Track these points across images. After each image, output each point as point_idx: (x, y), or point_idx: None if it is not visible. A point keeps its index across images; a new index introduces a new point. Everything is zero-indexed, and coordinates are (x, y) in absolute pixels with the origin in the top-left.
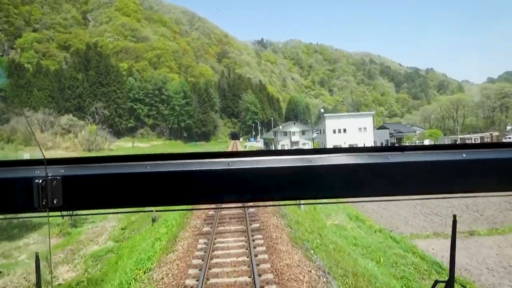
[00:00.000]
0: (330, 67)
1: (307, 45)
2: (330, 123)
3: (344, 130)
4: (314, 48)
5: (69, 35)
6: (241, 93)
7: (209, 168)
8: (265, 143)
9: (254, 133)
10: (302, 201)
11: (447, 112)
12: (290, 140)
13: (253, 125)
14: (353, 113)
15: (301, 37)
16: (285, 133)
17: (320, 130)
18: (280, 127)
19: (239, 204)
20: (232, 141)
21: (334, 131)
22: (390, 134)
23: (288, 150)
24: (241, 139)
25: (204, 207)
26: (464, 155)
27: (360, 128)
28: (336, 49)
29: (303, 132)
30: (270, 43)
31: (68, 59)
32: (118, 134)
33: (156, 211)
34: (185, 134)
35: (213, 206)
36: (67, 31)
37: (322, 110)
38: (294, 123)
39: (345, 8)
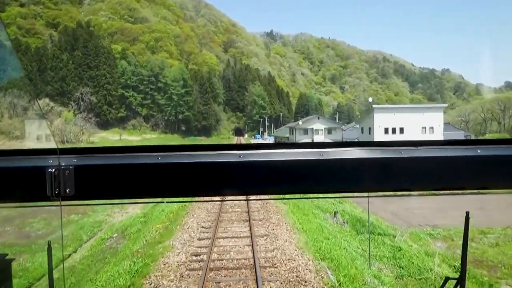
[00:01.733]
0: (342, 63)
1: (319, 39)
2: (381, 119)
3: (401, 130)
4: (326, 43)
5: (59, 11)
6: (248, 85)
7: (220, 160)
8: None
9: (261, 129)
10: (313, 195)
11: (491, 113)
12: (312, 140)
13: (260, 120)
14: (416, 105)
15: (312, 31)
16: (305, 131)
17: (363, 128)
18: (300, 122)
19: (251, 197)
20: (236, 137)
21: (387, 131)
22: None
23: (299, 143)
24: (246, 136)
25: (215, 199)
26: (478, 151)
27: (424, 128)
28: (348, 45)
29: (329, 131)
30: (280, 36)
31: (54, 37)
32: (106, 124)
33: (166, 202)
34: (183, 128)
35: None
36: (57, 8)
37: (371, 100)
38: (318, 118)
39: (356, 5)
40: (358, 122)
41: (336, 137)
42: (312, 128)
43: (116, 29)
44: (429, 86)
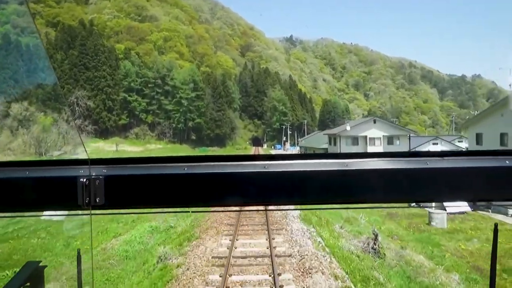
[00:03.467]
0: (366, 69)
1: (341, 44)
2: None
3: None
4: (348, 48)
5: (60, 9)
6: (267, 89)
7: (245, 171)
8: None
9: (284, 138)
10: (337, 206)
11: None
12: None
13: (282, 128)
14: None
15: (333, 36)
16: (355, 140)
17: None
18: (347, 127)
19: (273, 207)
20: (254, 147)
21: None
22: None
23: (324, 154)
24: (265, 146)
25: (238, 209)
26: (507, 161)
27: None
28: (372, 51)
29: (390, 140)
30: (299, 41)
31: (50, 36)
32: (105, 132)
33: (192, 211)
34: (193, 137)
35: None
36: (60, 6)
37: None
38: (375, 122)
39: (378, 10)
40: (468, 126)
41: (400, 146)
42: (366, 136)
43: (121, 28)
44: (459, 93)
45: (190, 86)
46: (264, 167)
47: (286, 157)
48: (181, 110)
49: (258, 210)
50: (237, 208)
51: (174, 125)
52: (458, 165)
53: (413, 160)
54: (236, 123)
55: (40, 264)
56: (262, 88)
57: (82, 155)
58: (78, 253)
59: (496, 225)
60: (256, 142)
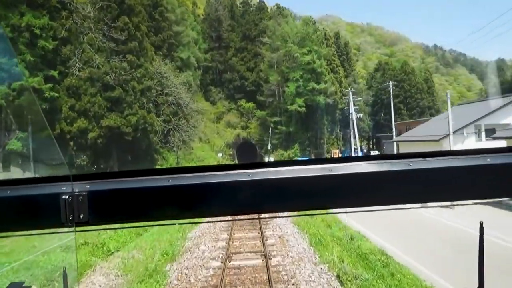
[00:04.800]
0: (386, 50)
1: (350, 23)
2: None
3: None
4: (361, 27)
5: None
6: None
7: (230, 180)
8: None
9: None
10: (323, 211)
11: None
12: None
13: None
14: None
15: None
16: None
17: None
18: None
19: (265, 215)
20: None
21: None
22: None
23: (308, 159)
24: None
25: (226, 218)
26: (488, 159)
27: None
28: (388, 31)
29: None
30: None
31: None
32: None
33: (178, 223)
34: None
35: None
36: None
37: None
38: None
39: None
40: None
41: None
42: None
43: None
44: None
45: None
46: (249, 175)
47: (270, 164)
48: None
49: (248, 219)
50: (228, 218)
51: None
52: (440, 165)
53: (396, 162)
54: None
55: (24, 285)
56: None
57: (64, 172)
58: (64, 271)
59: (481, 223)
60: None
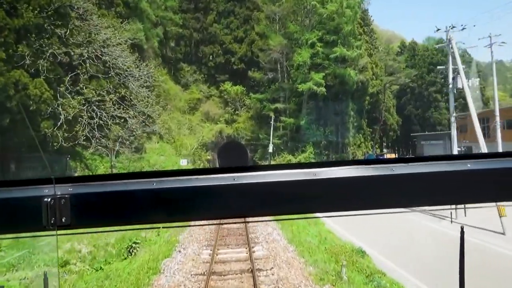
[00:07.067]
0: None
1: None
2: None
3: None
4: None
5: None
6: None
7: (215, 184)
8: None
9: None
10: (308, 215)
11: None
12: None
13: None
14: None
15: None
16: None
17: None
18: None
19: (246, 219)
20: None
21: None
22: None
23: (293, 164)
24: None
25: (212, 222)
26: (469, 165)
27: None
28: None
29: None
30: None
31: None
32: None
33: (163, 227)
34: None
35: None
36: None
37: None
38: None
39: None
40: None
41: None
42: None
43: None
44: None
45: None
46: (233, 179)
47: (255, 168)
48: None
49: (235, 223)
50: (214, 222)
51: None
52: (422, 170)
53: (379, 167)
54: None
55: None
56: None
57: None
58: (45, 275)
59: (462, 228)
60: None
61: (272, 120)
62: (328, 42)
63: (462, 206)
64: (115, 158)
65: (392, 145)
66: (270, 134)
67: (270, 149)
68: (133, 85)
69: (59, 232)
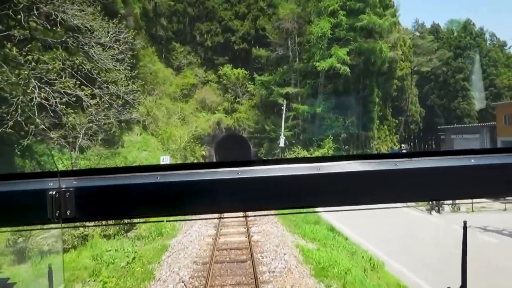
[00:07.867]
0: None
1: None
2: None
3: None
4: None
5: None
6: None
7: (219, 178)
8: None
9: None
10: (311, 209)
11: None
12: None
13: None
14: None
15: None
16: None
17: None
18: None
19: (249, 213)
20: None
21: None
22: None
23: (297, 158)
24: None
25: (214, 216)
26: (472, 160)
27: None
28: None
29: None
30: None
31: None
32: None
33: (167, 221)
34: None
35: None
36: None
37: None
38: None
39: None
40: None
41: None
42: None
43: None
44: None
45: None
46: (237, 173)
47: (259, 163)
48: None
49: (237, 217)
50: (216, 216)
51: None
52: (426, 165)
53: (383, 161)
54: None
55: (9, 281)
56: None
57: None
58: (50, 268)
59: (465, 223)
60: None
61: (284, 106)
62: (353, 10)
63: (465, 201)
64: (81, 154)
65: (413, 139)
66: (280, 126)
67: (282, 143)
68: (100, 55)
69: (63, 225)
